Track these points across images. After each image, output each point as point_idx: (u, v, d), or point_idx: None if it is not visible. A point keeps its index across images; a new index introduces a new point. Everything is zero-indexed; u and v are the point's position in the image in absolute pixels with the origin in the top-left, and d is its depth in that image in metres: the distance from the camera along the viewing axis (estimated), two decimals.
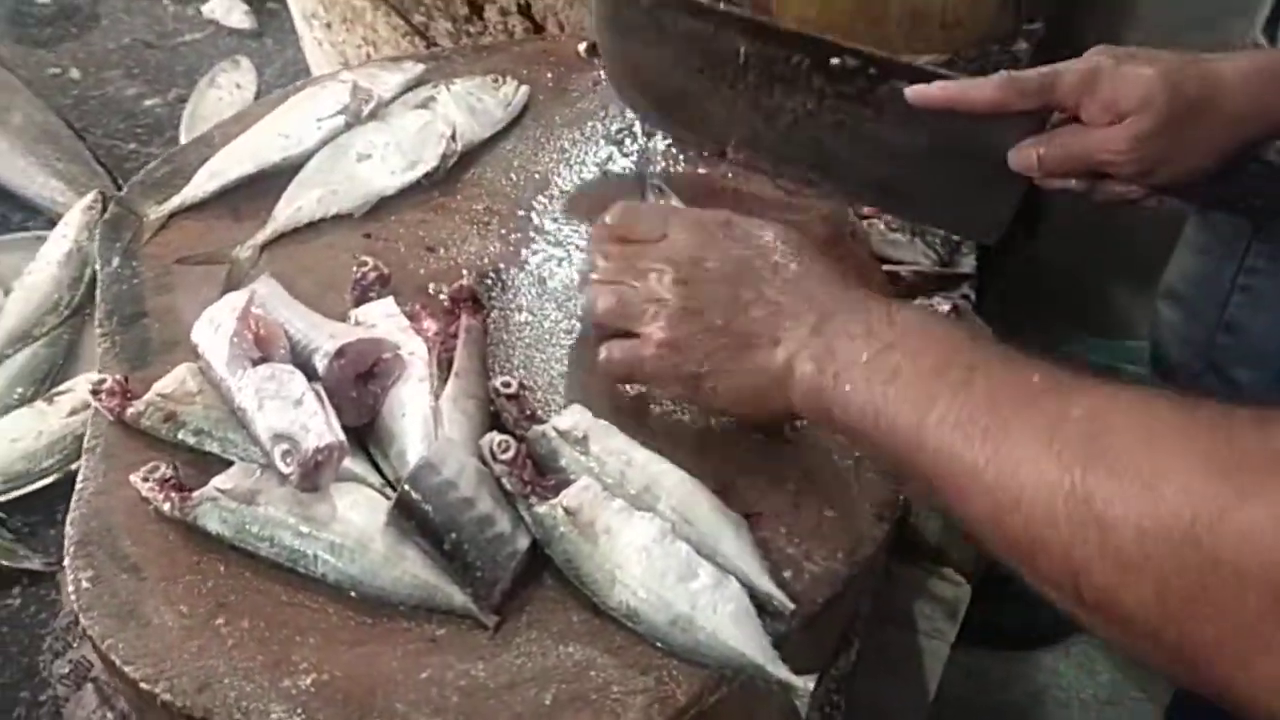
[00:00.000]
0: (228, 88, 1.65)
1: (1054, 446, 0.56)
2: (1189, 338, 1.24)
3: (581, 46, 1.21)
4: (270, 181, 1.06)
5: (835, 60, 0.96)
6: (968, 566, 1.15)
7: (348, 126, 1.09)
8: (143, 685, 0.74)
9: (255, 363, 0.83)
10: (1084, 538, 0.53)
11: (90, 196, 1.35)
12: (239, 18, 1.79)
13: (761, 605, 0.78)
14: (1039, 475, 0.55)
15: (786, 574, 0.81)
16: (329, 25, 1.35)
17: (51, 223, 1.43)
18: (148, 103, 1.67)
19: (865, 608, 1.04)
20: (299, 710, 0.73)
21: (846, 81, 0.96)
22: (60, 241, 1.37)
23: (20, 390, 1.21)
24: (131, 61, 1.75)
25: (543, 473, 0.83)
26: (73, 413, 1.13)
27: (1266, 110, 0.89)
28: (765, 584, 0.78)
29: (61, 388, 1.20)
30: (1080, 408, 0.57)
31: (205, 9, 1.83)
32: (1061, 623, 1.84)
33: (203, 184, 1.07)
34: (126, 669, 0.75)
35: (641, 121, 1.11)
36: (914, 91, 0.93)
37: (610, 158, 1.12)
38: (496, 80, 1.14)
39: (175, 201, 1.05)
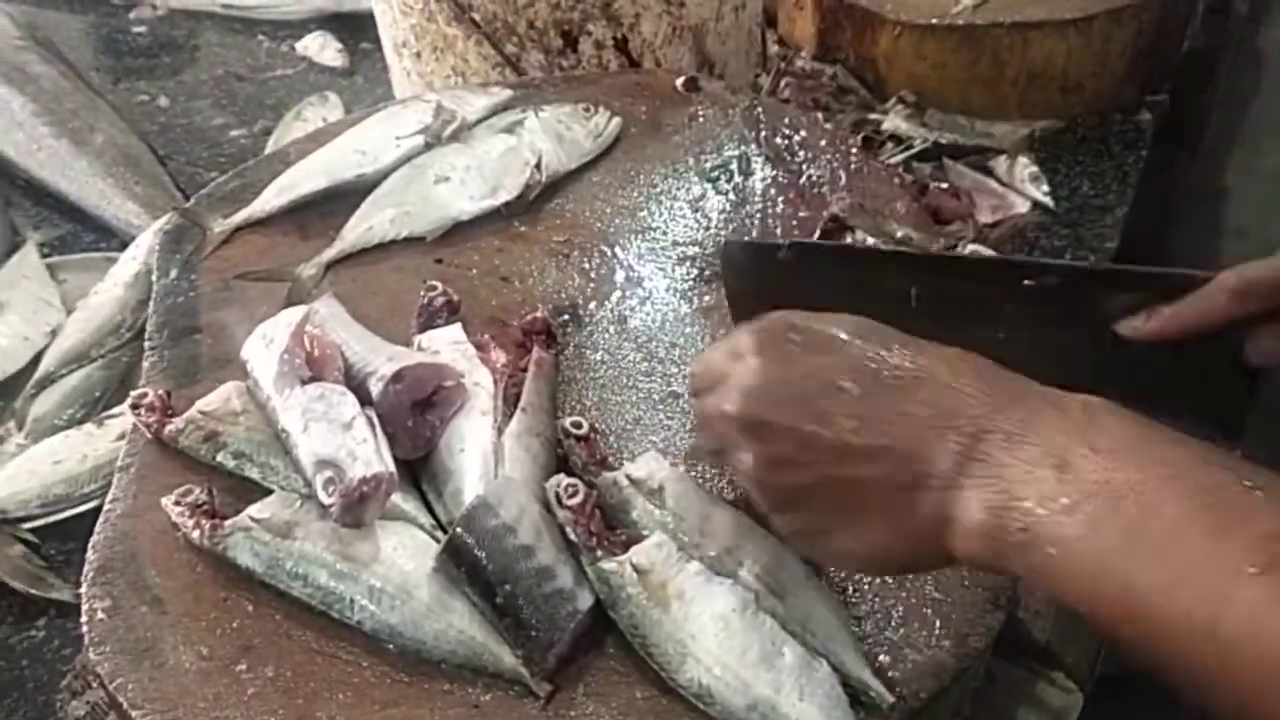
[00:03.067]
0: (314, 121, 1.62)
1: None
2: None
3: (679, 81, 1.14)
4: (342, 200, 1.00)
5: (1028, 281, 0.75)
6: (1081, 671, 1.02)
7: (427, 147, 1.04)
8: None
9: (305, 383, 0.75)
10: None
11: (165, 219, 1.31)
12: (332, 55, 1.78)
13: (855, 695, 0.68)
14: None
15: (884, 660, 0.71)
16: (419, 55, 1.31)
17: (125, 245, 1.40)
18: (233, 133, 1.65)
19: (966, 709, 0.92)
20: None
21: (1043, 303, 0.75)
22: (130, 263, 1.33)
23: (70, 411, 1.16)
24: (221, 93, 1.74)
25: (612, 525, 0.74)
26: (121, 437, 1.07)
27: None
28: (861, 670, 0.68)
29: (113, 411, 1.15)
30: None
31: (299, 45, 1.82)
32: None
33: (271, 198, 1.01)
34: (134, 713, 0.68)
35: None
36: (1129, 329, 0.72)
37: (704, 195, 1.04)
38: (588, 110, 1.07)
39: (242, 215, 1.00)
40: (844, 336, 0.61)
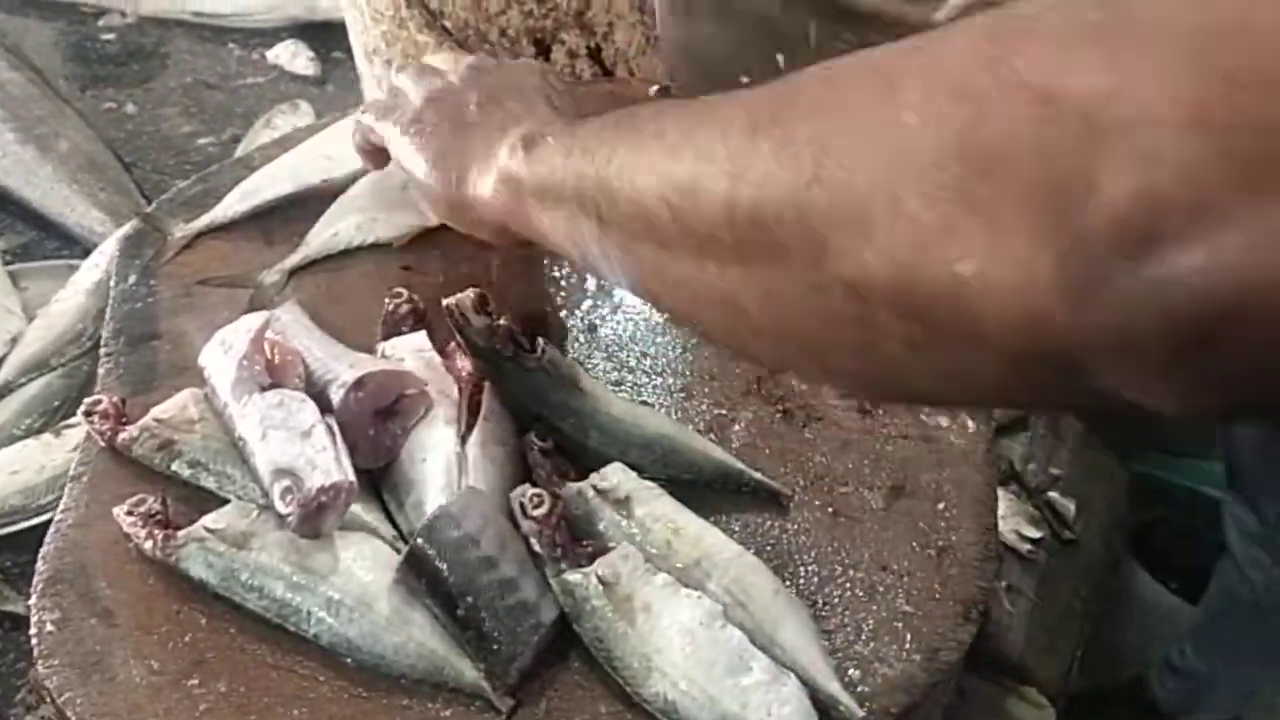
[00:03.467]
0: (285, 129, 1.61)
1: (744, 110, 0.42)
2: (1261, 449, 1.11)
3: (652, 90, 1.13)
4: (306, 205, 0.98)
5: None
6: (1053, 687, 1.01)
7: None
8: None
9: (264, 390, 0.73)
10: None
11: (129, 226, 1.29)
12: (304, 64, 1.77)
13: (824, 709, 0.66)
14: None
15: (854, 674, 0.69)
16: (390, 62, 1.29)
17: (88, 252, 1.38)
18: (201, 141, 1.64)
19: None
20: None
21: None
22: (92, 270, 1.32)
23: (29, 421, 1.14)
24: (190, 101, 1.73)
25: (578, 537, 0.72)
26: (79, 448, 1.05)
27: None
28: (830, 685, 0.67)
29: (71, 421, 1.13)
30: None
31: (270, 54, 1.81)
32: None
33: (234, 204, 0.99)
34: None
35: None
36: None
37: None
38: None
39: (204, 220, 0.98)
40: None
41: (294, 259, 0.94)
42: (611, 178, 0.49)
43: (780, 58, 0.90)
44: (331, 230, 0.95)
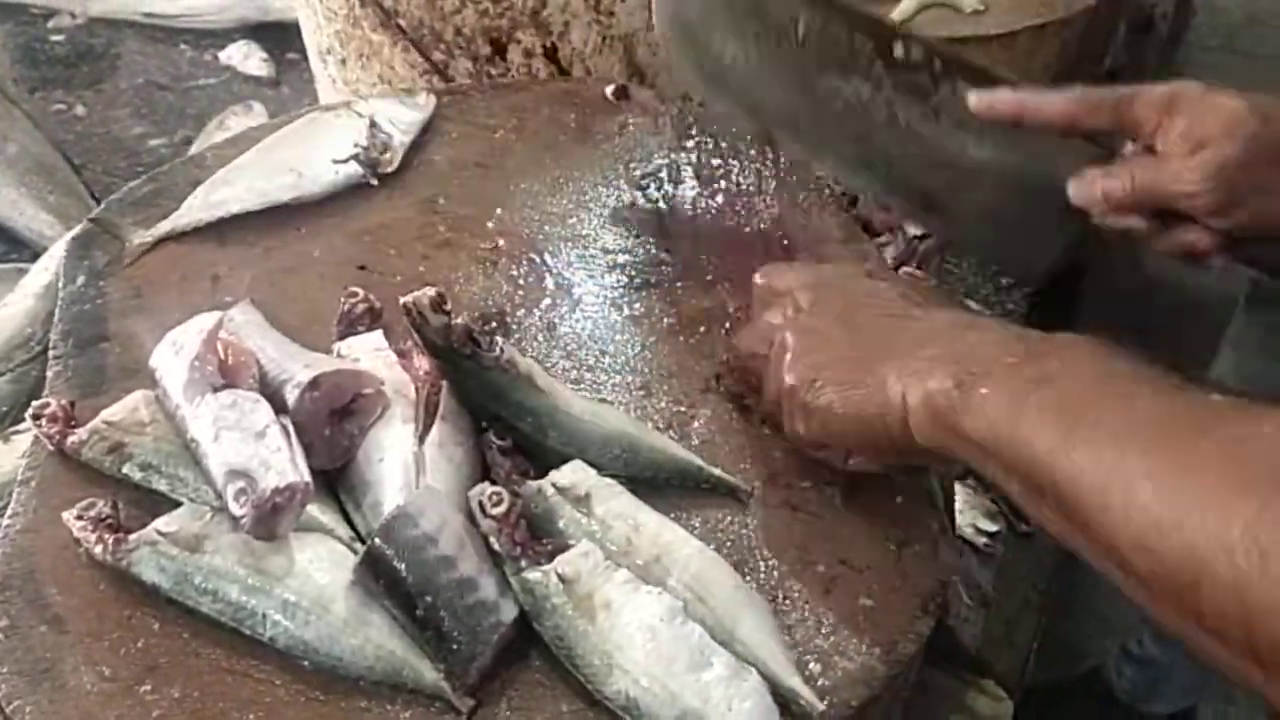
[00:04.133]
0: (237, 130, 1.59)
1: (1235, 464, 0.47)
2: None
3: (609, 89, 1.13)
4: (268, 211, 0.97)
5: (899, 49, 0.86)
6: (1011, 679, 1.02)
7: (366, 174, 1.01)
8: None
9: (217, 390, 0.72)
10: (1265, 575, 0.43)
11: (79, 229, 1.27)
12: (257, 64, 1.75)
13: (784, 704, 0.66)
14: (1211, 493, 0.46)
15: (814, 668, 0.69)
16: (344, 61, 1.28)
17: (37, 256, 1.36)
18: (152, 142, 1.62)
19: (897, 718, 0.92)
20: None
21: (907, 74, 0.87)
22: (41, 274, 1.29)
23: None
24: (140, 102, 1.70)
25: (538, 535, 0.72)
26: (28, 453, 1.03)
27: None
28: (791, 679, 0.67)
29: (20, 427, 1.11)
30: (1271, 425, 0.48)
31: (223, 55, 1.79)
32: None
33: (199, 213, 0.97)
34: None
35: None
36: (978, 98, 0.84)
37: (633, 203, 1.03)
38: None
39: (166, 226, 0.96)
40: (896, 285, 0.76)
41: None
42: (1072, 480, 0.54)
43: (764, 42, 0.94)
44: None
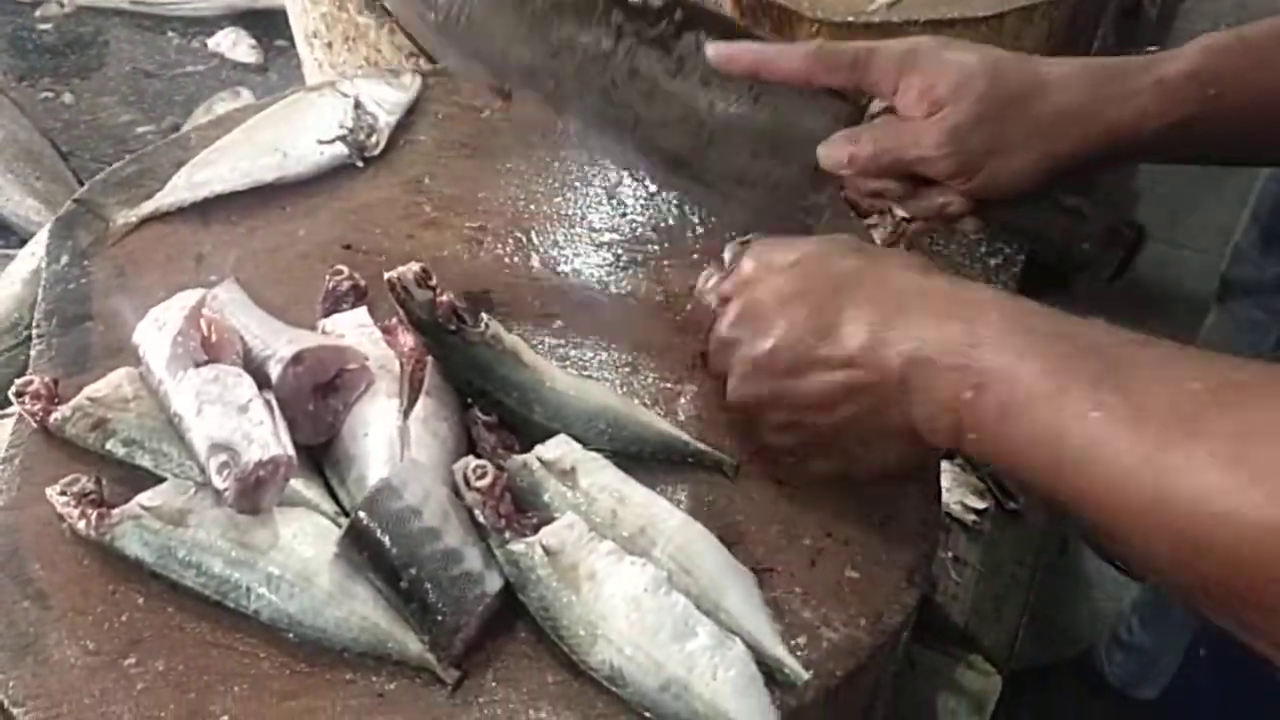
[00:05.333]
0: None
1: (1237, 470, 0.47)
2: None
3: None
4: (252, 191, 0.97)
5: None
6: (1000, 654, 1.02)
7: (352, 155, 1.01)
8: None
9: (200, 366, 0.72)
10: None
11: (63, 210, 1.27)
12: (244, 51, 1.75)
13: (770, 673, 0.66)
14: (1233, 508, 0.46)
15: (800, 640, 0.69)
16: (330, 45, 1.28)
17: (24, 242, 1.36)
18: (140, 129, 1.61)
19: (886, 694, 0.92)
20: None
21: (647, 23, 0.83)
22: (28, 260, 1.29)
23: None
24: (128, 89, 1.70)
25: (523, 509, 0.72)
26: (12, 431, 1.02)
27: (1092, 116, 0.77)
28: (775, 648, 0.67)
29: (7, 411, 1.10)
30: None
31: (211, 42, 1.79)
32: None
33: (183, 193, 0.97)
34: (16, 710, 0.64)
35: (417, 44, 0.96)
36: (715, 50, 0.81)
37: (619, 183, 1.02)
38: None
39: (149, 206, 0.96)
40: (776, 301, 0.70)
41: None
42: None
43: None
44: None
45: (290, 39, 1.62)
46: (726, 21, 0.85)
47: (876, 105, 0.81)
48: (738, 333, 0.71)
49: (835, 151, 0.81)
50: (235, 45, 1.74)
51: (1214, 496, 0.47)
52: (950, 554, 1.04)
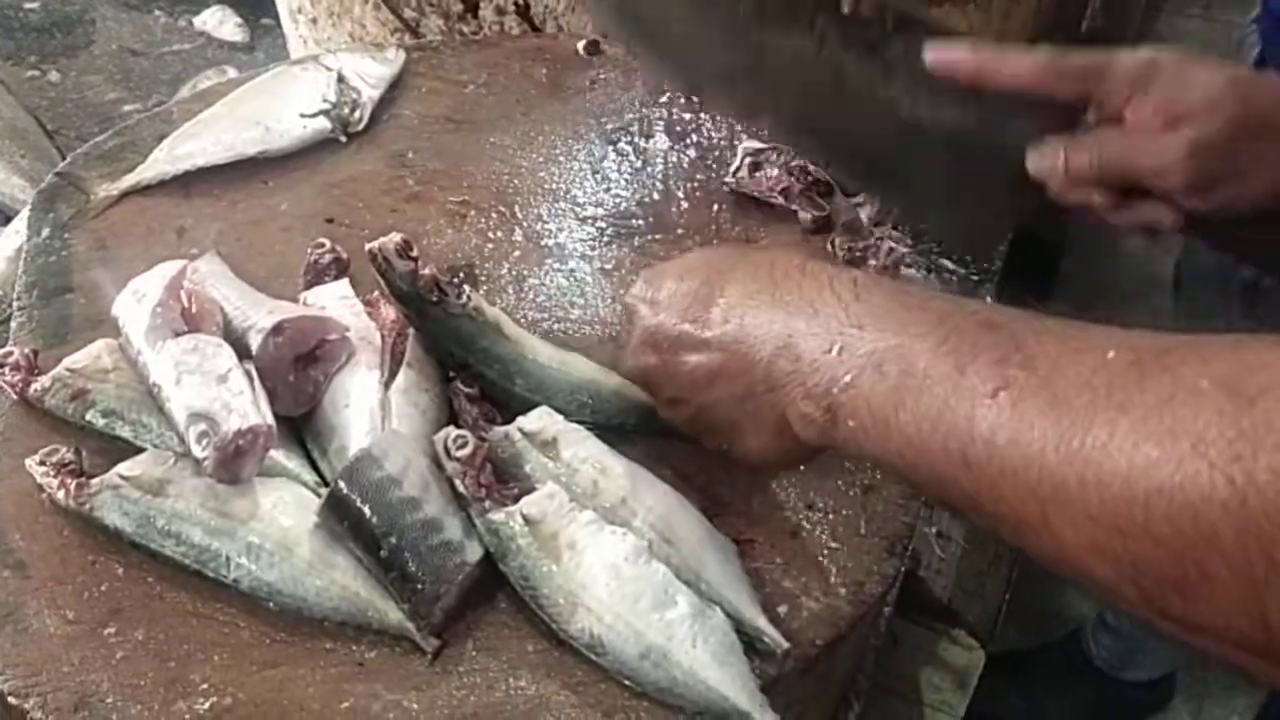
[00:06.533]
0: None
1: (1175, 439, 0.40)
2: None
3: (581, 44, 1.12)
4: (234, 165, 0.96)
5: (847, 1, 0.80)
6: (983, 628, 1.03)
7: (335, 130, 1.00)
8: (11, 699, 0.63)
9: (180, 336, 0.72)
10: (1269, 562, 0.37)
11: (45, 183, 1.26)
12: (231, 30, 1.73)
13: (750, 642, 0.67)
14: (1169, 480, 0.40)
15: (781, 609, 0.70)
16: (315, 20, 1.27)
17: (9, 219, 1.35)
18: (126, 108, 1.60)
19: (868, 668, 0.92)
20: None
21: (856, 29, 0.80)
22: (13, 237, 1.28)
23: None
24: (114, 68, 1.69)
25: (505, 480, 0.71)
26: None
27: None
28: (755, 618, 0.67)
29: None
30: (1207, 378, 0.42)
31: (197, 21, 1.78)
32: None
33: (165, 166, 0.96)
34: None
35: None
36: (936, 54, 0.77)
37: (604, 157, 1.02)
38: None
39: (130, 179, 0.95)
40: (670, 284, 0.68)
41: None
42: (1004, 477, 0.47)
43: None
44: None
45: (276, 18, 1.61)
46: (940, 27, 0.82)
47: (1092, 115, 0.77)
48: (636, 302, 0.70)
49: (1049, 158, 0.77)
50: (221, 24, 1.73)
51: (1149, 472, 0.41)
52: (934, 530, 1.04)
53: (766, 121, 0.89)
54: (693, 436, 0.71)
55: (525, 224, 0.95)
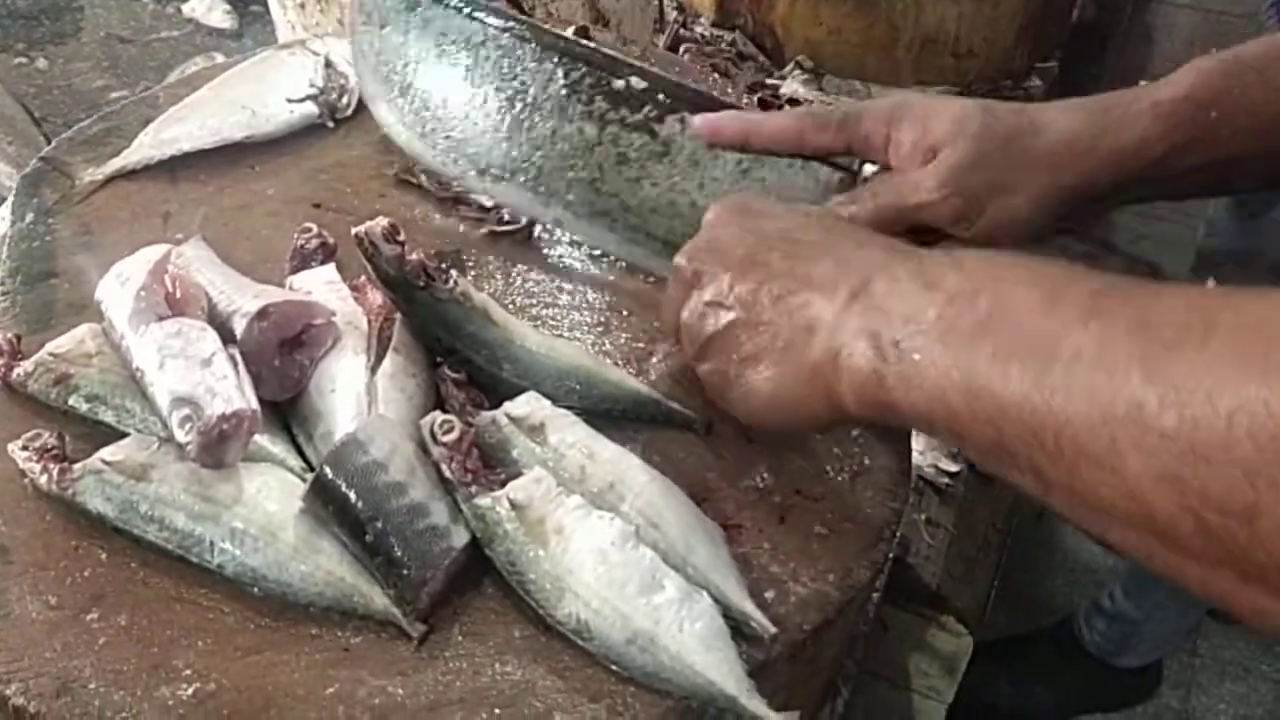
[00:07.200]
0: None
1: (1267, 356, 0.39)
2: None
3: (569, 30, 1.11)
4: (220, 150, 0.96)
5: (619, 82, 0.81)
6: (972, 616, 1.03)
7: (323, 115, 1.00)
8: None
9: (163, 320, 0.71)
10: None
11: (30, 168, 1.25)
12: (219, 17, 1.73)
13: (737, 627, 0.66)
14: (1255, 395, 0.39)
15: (769, 594, 0.69)
16: (303, 5, 1.26)
17: None
18: (114, 95, 1.60)
19: (857, 654, 0.92)
20: None
21: (632, 108, 0.81)
22: None
23: None
24: (102, 55, 1.68)
25: (492, 466, 0.71)
26: None
27: (1092, 145, 0.74)
28: (743, 603, 0.67)
29: None
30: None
31: (185, 8, 1.77)
32: (1058, 708, 1.72)
33: (150, 150, 0.96)
34: None
35: (388, 127, 0.88)
36: (703, 121, 0.80)
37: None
38: None
39: (116, 164, 0.95)
40: (783, 210, 0.69)
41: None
42: (1060, 427, 0.46)
43: None
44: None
45: (265, 4, 1.60)
46: (708, 97, 0.84)
47: (869, 169, 0.80)
48: (734, 203, 0.71)
49: (835, 213, 0.77)
50: (210, 11, 1.72)
51: (1236, 389, 0.39)
52: (923, 516, 1.04)
53: (558, 213, 0.86)
54: (695, 356, 0.68)
55: (514, 210, 0.95)
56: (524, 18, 0.87)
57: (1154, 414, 0.42)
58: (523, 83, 0.82)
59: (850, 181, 0.80)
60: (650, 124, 0.81)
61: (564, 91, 0.81)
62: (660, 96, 0.81)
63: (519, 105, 0.82)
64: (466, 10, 0.83)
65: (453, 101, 0.84)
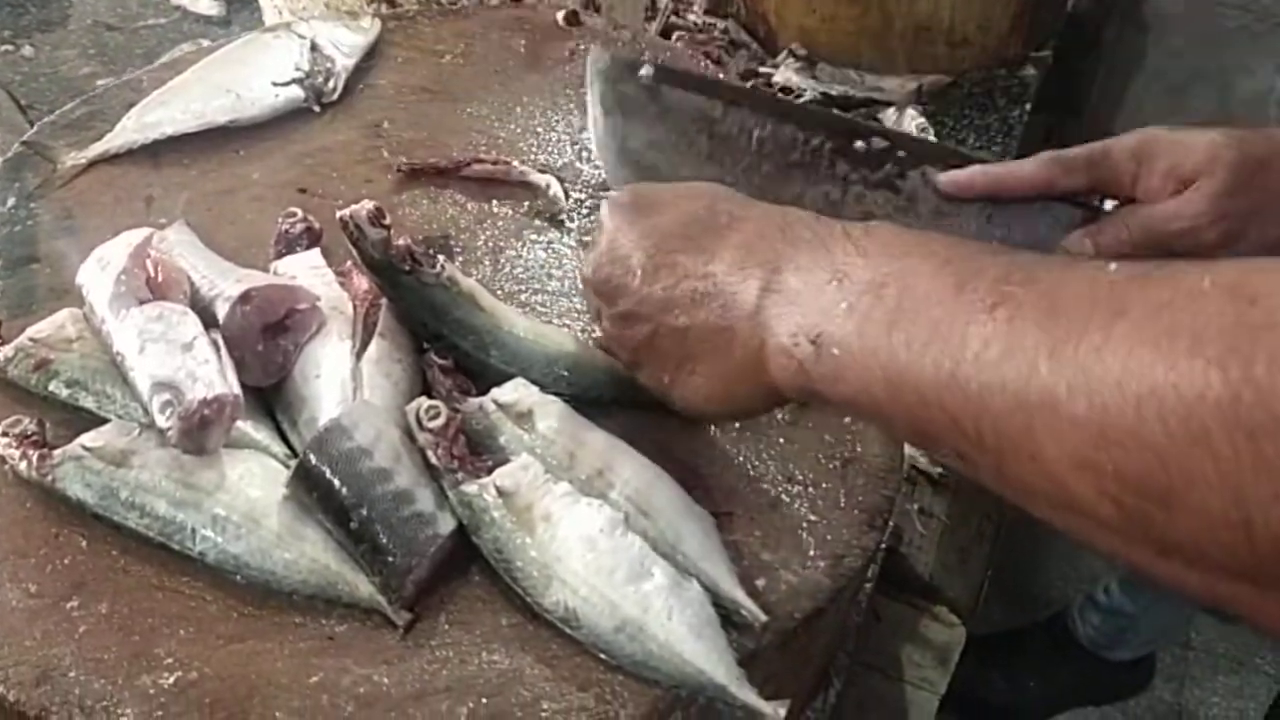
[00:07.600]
0: None
1: (1174, 336, 0.39)
2: None
3: (560, 15, 1.10)
4: (204, 133, 0.95)
5: (860, 143, 0.82)
6: (965, 606, 1.02)
7: (309, 99, 0.99)
8: None
9: (144, 304, 0.70)
10: (1258, 460, 0.36)
11: (11, 152, 1.24)
12: (207, 4, 1.71)
13: (728, 615, 0.65)
14: (1160, 382, 0.38)
15: (759, 582, 0.69)
16: None
17: None
18: (100, 82, 1.57)
19: (849, 644, 0.91)
20: (155, 713, 0.60)
21: (872, 167, 0.83)
22: None
23: None
24: (89, 42, 1.67)
25: (479, 452, 0.70)
26: None
27: None
28: (733, 590, 0.66)
29: None
30: (1195, 280, 0.41)
31: None
32: (1052, 702, 1.72)
33: (133, 135, 0.95)
34: None
35: None
36: (949, 179, 0.81)
37: (582, 129, 1.01)
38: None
39: (98, 148, 0.93)
40: (672, 197, 0.66)
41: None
42: (978, 415, 0.46)
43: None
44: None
45: None
46: (949, 150, 0.85)
47: (1110, 204, 0.80)
48: (624, 201, 0.67)
49: (1081, 244, 0.79)
50: None
51: (1142, 373, 0.39)
52: (916, 506, 1.03)
53: None
54: (629, 365, 0.68)
55: (501, 196, 0.94)
56: (754, 89, 0.86)
57: (1064, 401, 0.42)
58: (764, 154, 0.83)
59: (1092, 217, 0.80)
60: (893, 180, 0.82)
61: (807, 158, 0.83)
62: (900, 153, 0.82)
63: (761, 175, 0.83)
64: (701, 90, 0.84)
65: (698, 177, 0.84)
